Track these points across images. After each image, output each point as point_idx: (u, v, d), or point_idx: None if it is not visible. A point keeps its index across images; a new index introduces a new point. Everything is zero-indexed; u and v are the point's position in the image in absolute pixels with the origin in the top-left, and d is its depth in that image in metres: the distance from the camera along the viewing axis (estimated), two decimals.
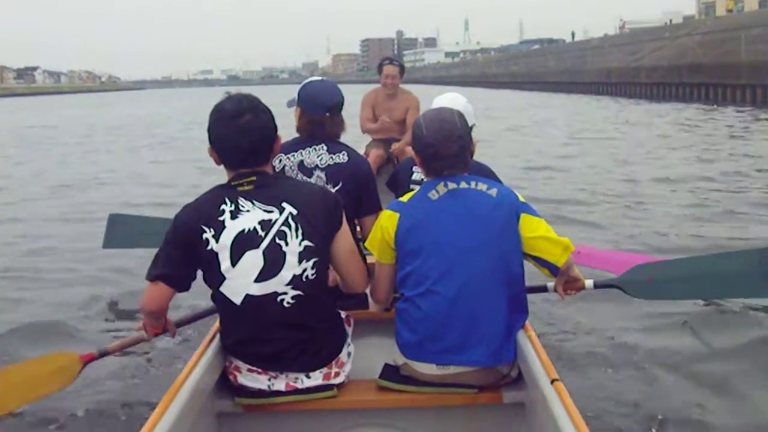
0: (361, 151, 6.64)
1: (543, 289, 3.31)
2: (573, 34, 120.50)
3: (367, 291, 3.17)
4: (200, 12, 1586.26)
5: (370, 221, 3.37)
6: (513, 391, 2.81)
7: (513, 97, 50.36)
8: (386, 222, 2.83)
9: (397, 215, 2.81)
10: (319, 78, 3.76)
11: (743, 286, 3.51)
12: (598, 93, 45.92)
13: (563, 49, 79.17)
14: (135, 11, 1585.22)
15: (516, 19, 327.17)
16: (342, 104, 3.54)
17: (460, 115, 2.85)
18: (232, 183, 2.69)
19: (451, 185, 2.78)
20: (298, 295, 2.65)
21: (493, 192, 2.78)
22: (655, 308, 5.05)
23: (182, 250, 2.67)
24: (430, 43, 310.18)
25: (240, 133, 2.63)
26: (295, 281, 2.65)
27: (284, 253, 2.63)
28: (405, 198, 2.88)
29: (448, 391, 2.78)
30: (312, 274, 2.67)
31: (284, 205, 2.65)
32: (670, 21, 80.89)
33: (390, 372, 2.87)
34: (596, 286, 3.29)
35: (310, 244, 2.66)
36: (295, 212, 2.65)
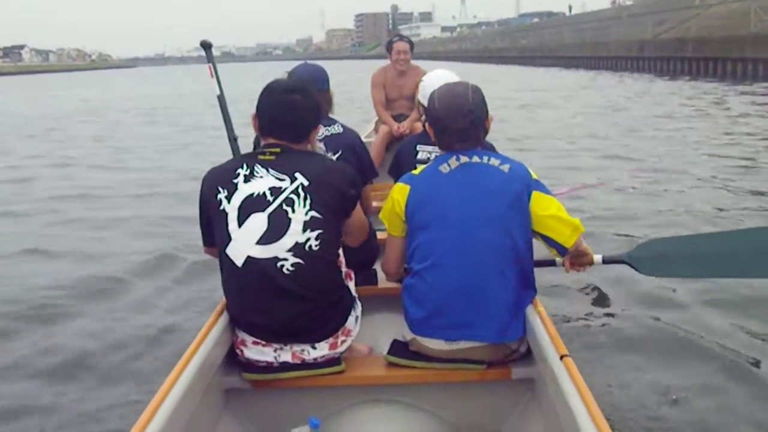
0: (371, 128, 7.49)
1: (551, 263, 3.18)
2: (570, 8, 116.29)
3: (376, 267, 3.46)
4: None
5: (366, 190, 3.65)
6: (522, 366, 2.76)
7: (534, 74, 44.29)
8: (397, 194, 2.82)
9: (408, 187, 2.80)
10: (303, 62, 3.98)
11: (763, 266, 3.13)
12: (628, 69, 40.33)
13: (577, 20, 73.37)
14: None
15: None
16: (319, 78, 3.72)
17: (475, 89, 2.81)
18: (257, 151, 2.80)
19: (463, 159, 2.77)
20: (298, 263, 2.63)
21: (506, 167, 2.75)
22: (669, 284, 4.90)
23: (206, 213, 2.79)
24: (426, 17, 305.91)
25: (283, 107, 2.74)
26: (297, 249, 2.64)
27: (289, 220, 2.64)
28: (417, 171, 2.87)
29: (457, 367, 2.74)
30: (315, 245, 2.65)
31: (297, 175, 2.68)
32: None
33: (398, 348, 2.84)
34: (605, 261, 3.16)
35: (317, 215, 2.66)
36: (306, 183, 2.67)
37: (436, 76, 3.75)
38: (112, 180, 11.03)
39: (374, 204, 3.92)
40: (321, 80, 3.74)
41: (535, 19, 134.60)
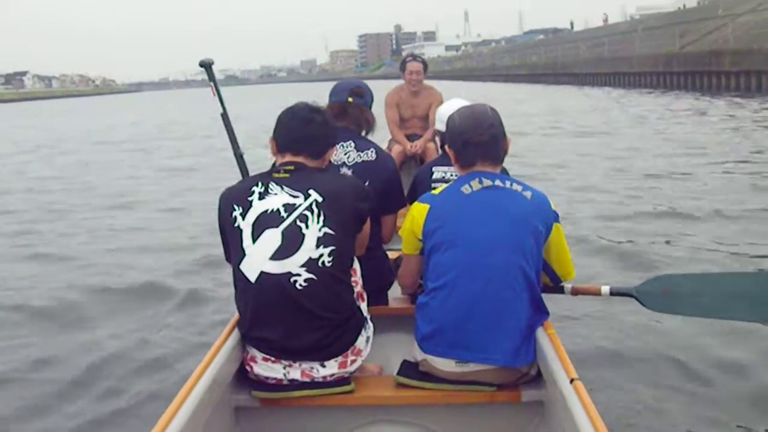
0: (384, 146, 6.55)
1: (560, 290, 3.14)
2: (572, 24, 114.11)
3: (389, 292, 3.56)
4: (196, 12, 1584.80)
5: (390, 220, 3.55)
6: (532, 389, 2.75)
7: (562, 95, 41.37)
8: (416, 213, 2.82)
9: (427, 207, 2.80)
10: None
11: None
12: (654, 86, 37.11)
13: (590, 35, 70.30)
14: (130, 10, 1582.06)
15: (515, 10, 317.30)
16: (366, 93, 3.66)
17: (493, 109, 2.87)
18: (272, 169, 2.83)
19: (486, 182, 2.77)
20: (312, 279, 2.65)
21: (528, 194, 2.77)
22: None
23: (224, 233, 2.81)
24: (430, 36, 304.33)
25: (300, 122, 2.84)
26: (310, 264, 2.65)
27: (303, 236, 2.66)
28: (437, 191, 2.89)
29: (467, 389, 2.73)
30: (328, 261, 2.66)
31: (311, 192, 2.72)
32: (684, 5, 73.29)
33: (408, 368, 2.84)
34: (612, 293, 3.16)
35: (330, 231, 2.68)
36: (320, 200, 2.70)
37: (454, 104, 3.76)
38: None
39: None
40: (367, 95, 3.68)
41: (541, 36, 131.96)
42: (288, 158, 2.83)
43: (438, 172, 3.79)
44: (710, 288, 3.15)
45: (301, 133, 2.82)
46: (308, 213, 2.67)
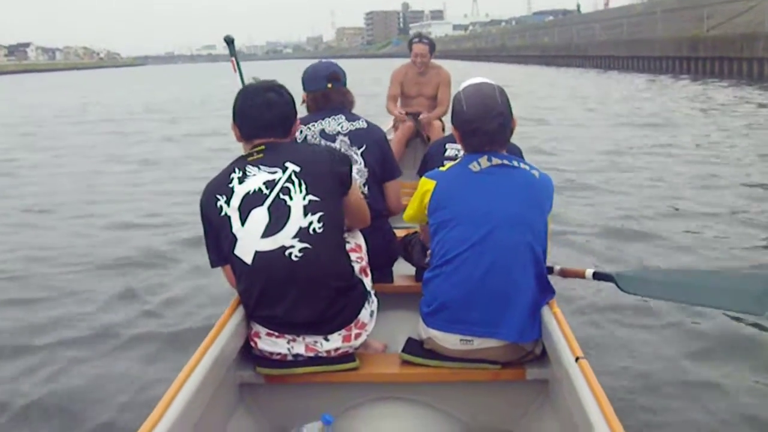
0: (389, 125, 7.14)
1: (549, 271, 3.07)
2: (578, 6, 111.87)
3: (394, 269, 3.66)
4: None
5: (393, 186, 3.65)
6: (536, 368, 2.76)
7: (591, 78, 39.26)
8: (422, 189, 2.83)
9: (434, 183, 2.79)
10: (318, 60, 3.90)
11: (736, 301, 3.08)
12: (676, 71, 35.09)
13: (603, 17, 68.04)
14: None
15: None
16: (341, 75, 3.68)
17: (501, 90, 2.80)
18: (246, 154, 2.81)
19: (495, 160, 2.75)
20: (306, 248, 2.64)
21: (536, 173, 2.77)
22: None
23: (211, 229, 2.76)
24: (437, 15, 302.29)
25: (261, 107, 2.78)
26: (302, 233, 2.65)
27: (289, 207, 2.66)
28: (444, 168, 2.87)
29: (471, 367, 2.73)
30: (319, 227, 2.66)
31: (287, 164, 2.72)
32: None
33: (413, 345, 2.84)
34: (595, 276, 3.15)
35: (315, 198, 2.68)
36: (298, 170, 2.70)
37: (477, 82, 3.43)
38: None
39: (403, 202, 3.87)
40: (342, 75, 3.71)
41: (550, 17, 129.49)
42: (257, 141, 2.80)
43: (451, 149, 3.78)
44: (684, 279, 3.24)
45: (265, 120, 2.79)
46: (289, 185, 2.67)
